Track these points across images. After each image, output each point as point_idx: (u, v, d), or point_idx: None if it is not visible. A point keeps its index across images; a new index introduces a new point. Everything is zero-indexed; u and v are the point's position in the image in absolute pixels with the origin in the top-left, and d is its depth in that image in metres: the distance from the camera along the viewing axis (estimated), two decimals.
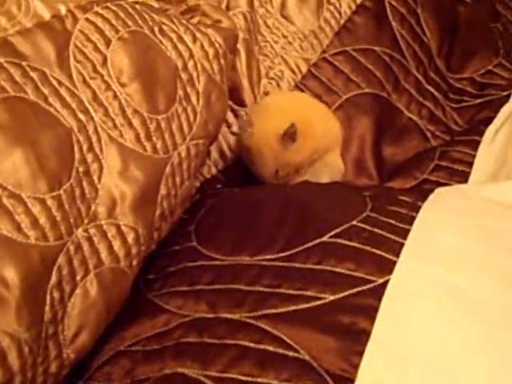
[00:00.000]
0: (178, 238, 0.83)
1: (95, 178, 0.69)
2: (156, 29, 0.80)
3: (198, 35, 0.84)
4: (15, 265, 0.59)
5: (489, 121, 1.13)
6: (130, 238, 0.71)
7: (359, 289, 0.66)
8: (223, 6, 1.01)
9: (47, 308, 0.62)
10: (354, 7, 1.15)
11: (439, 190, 0.86)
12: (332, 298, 0.66)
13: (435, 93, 1.18)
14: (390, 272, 0.68)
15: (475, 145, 1.07)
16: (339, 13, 1.14)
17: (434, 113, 1.16)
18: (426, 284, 0.67)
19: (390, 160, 1.10)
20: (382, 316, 0.63)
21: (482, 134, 1.09)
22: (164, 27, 0.81)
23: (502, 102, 1.17)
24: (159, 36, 0.80)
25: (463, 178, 1.03)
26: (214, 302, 0.70)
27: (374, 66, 1.13)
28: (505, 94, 1.19)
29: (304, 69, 1.10)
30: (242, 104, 1.03)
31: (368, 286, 0.66)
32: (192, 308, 0.71)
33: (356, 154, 1.08)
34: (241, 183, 1.01)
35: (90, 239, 0.67)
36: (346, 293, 0.66)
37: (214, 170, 1.02)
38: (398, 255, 0.70)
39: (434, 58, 1.22)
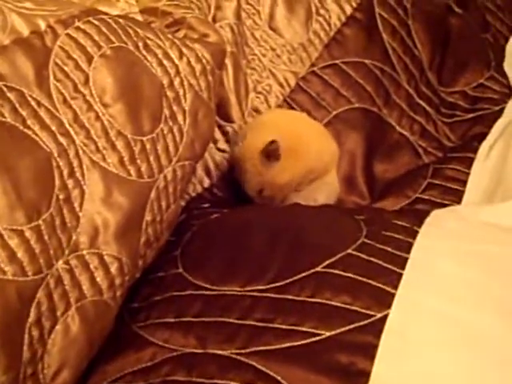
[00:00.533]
0: (163, 264, 0.79)
1: (76, 205, 0.65)
2: (140, 44, 0.76)
3: (185, 50, 0.80)
4: None
5: (482, 136, 1.10)
6: (114, 268, 0.67)
7: (357, 324, 0.63)
8: (209, 18, 0.97)
9: (25, 348, 0.58)
10: (343, 19, 1.12)
11: (435, 213, 0.83)
12: (328, 334, 0.63)
13: (427, 107, 1.15)
14: (389, 306, 0.64)
15: (469, 162, 1.04)
16: (329, 24, 1.11)
17: (426, 128, 1.13)
18: (426, 318, 0.64)
19: (381, 177, 1.07)
20: (382, 355, 0.60)
21: (475, 150, 1.06)
22: (149, 42, 0.77)
23: (495, 116, 1.15)
24: (144, 52, 0.76)
25: (457, 196, 1.00)
26: (203, 336, 0.67)
27: (365, 79, 1.10)
28: (497, 108, 1.17)
29: (293, 82, 1.06)
30: (229, 120, 0.99)
31: (366, 321, 0.63)
32: (179, 342, 0.67)
33: (346, 171, 1.04)
34: (227, 201, 0.98)
35: (71, 271, 0.63)
36: (343, 329, 0.63)
37: (199, 188, 0.99)
38: (396, 287, 0.67)
39: (425, 71, 1.19)
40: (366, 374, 0.58)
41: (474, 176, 1.03)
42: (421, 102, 1.15)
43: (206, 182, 0.99)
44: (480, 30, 1.32)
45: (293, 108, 1.05)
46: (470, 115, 1.17)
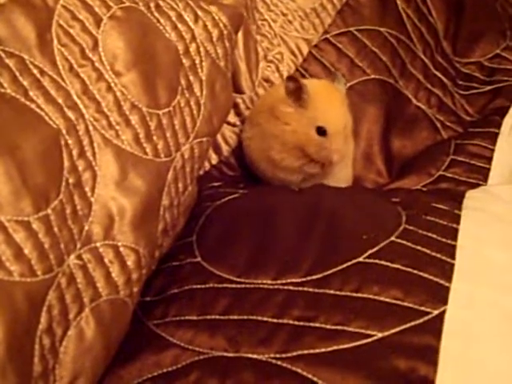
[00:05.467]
0: (177, 252, 0.71)
1: (88, 190, 0.56)
2: (152, 5, 0.67)
3: (200, 13, 0.71)
4: None
5: (503, 110, 1.03)
6: (130, 261, 0.59)
7: (412, 323, 0.56)
8: None
9: (36, 360, 0.49)
10: None
11: (471, 194, 0.76)
12: (381, 335, 0.55)
13: (443, 79, 1.08)
14: (445, 301, 0.57)
15: (493, 137, 0.97)
16: None
17: (443, 101, 1.05)
18: (487, 315, 0.57)
19: (400, 154, 0.99)
20: (445, 359, 0.53)
21: (498, 125, 0.99)
22: (161, 3, 0.68)
23: None
24: (156, 14, 0.67)
25: (482, 174, 0.93)
26: (234, 337, 0.59)
27: (380, 49, 1.02)
28: None
29: (305, 51, 0.98)
30: (239, 90, 0.91)
31: (422, 320, 0.56)
32: (206, 343, 0.59)
33: (363, 147, 0.97)
34: (238, 180, 0.89)
35: (84, 267, 0.55)
36: (398, 329, 0.55)
37: (207, 166, 0.90)
38: (450, 279, 0.60)
39: (440, 41, 1.11)
40: (430, 382, 0.51)
41: (498, 152, 0.96)
42: (437, 73, 1.08)
43: (214, 159, 0.91)
44: None
45: (306, 78, 0.97)
46: (488, 87, 1.10)
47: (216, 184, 0.84)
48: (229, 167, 0.91)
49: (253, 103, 0.91)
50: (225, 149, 0.90)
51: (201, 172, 0.88)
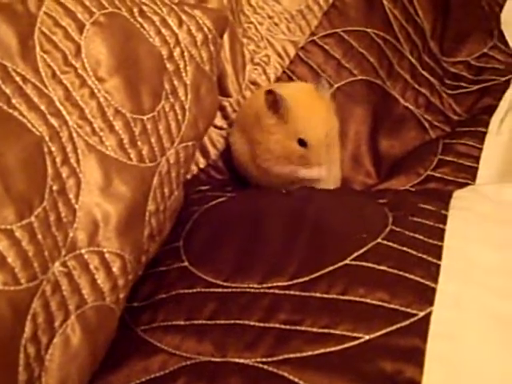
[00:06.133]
0: (164, 257, 0.71)
1: (72, 196, 0.56)
2: (135, 10, 0.67)
3: (184, 18, 0.71)
4: None
5: (491, 109, 1.03)
6: (116, 267, 0.59)
7: (398, 325, 0.56)
8: None
9: (21, 369, 0.49)
10: None
11: (458, 194, 0.76)
12: (367, 337, 0.55)
13: (431, 78, 1.08)
14: (431, 302, 0.57)
15: (481, 137, 0.97)
16: None
17: (431, 100, 1.06)
18: (473, 316, 0.57)
19: (388, 154, 0.99)
20: (431, 361, 0.53)
21: (486, 124, 1.00)
22: (144, 8, 0.68)
23: (503, 88, 1.08)
24: (139, 19, 0.67)
25: (470, 173, 0.93)
26: (221, 341, 0.59)
27: (367, 50, 1.02)
28: (504, 79, 1.10)
29: (292, 53, 0.98)
30: (225, 93, 0.91)
31: (408, 321, 0.56)
32: (193, 349, 0.59)
33: (352, 148, 0.97)
34: (226, 183, 0.89)
35: (69, 274, 0.55)
36: (384, 331, 0.55)
37: (194, 169, 0.90)
38: (436, 280, 0.59)
39: (427, 41, 1.12)
40: None
41: (486, 151, 0.96)
42: (424, 73, 1.08)
43: (202, 163, 0.91)
44: None
45: (293, 80, 0.97)
46: (476, 87, 1.10)
47: (204, 188, 0.84)
48: (217, 171, 0.91)
49: (240, 106, 0.91)
50: (212, 152, 0.90)
51: (188, 176, 0.88)
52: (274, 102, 0.76)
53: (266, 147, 0.79)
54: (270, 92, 0.76)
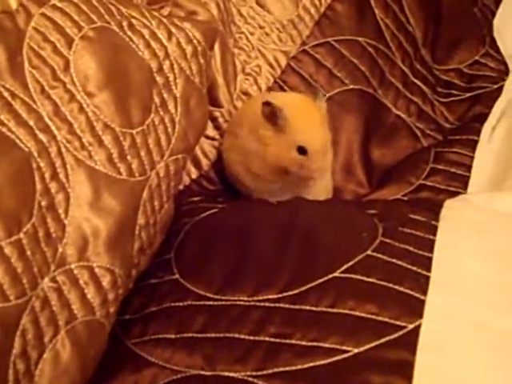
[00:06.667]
0: (156, 269, 0.71)
1: (61, 212, 0.57)
2: (125, 24, 0.67)
3: (174, 30, 0.71)
4: None
5: (483, 117, 1.03)
6: (106, 281, 0.59)
7: (387, 338, 0.56)
8: None
9: None
10: None
11: (449, 204, 0.76)
12: (356, 350, 0.55)
13: (423, 87, 1.08)
14: (420, 315, 0.57)
15: (472, 145, 0.98)
16: (319, 0, 1.02)
17: (423, 109, 1.06)
18: (462, 328, 0.57)
19: (380, 163, 0.99)
20: (420, 374, 0.53)
21: (478, 132, 1.00)
22: (134, 21, 0.68)
23: (495, 95, 1.08)
24: (129, 32, 0.67)
25: (462, 182, 0.93)
26: (211, 355, 0.59)
27: (359, 59, 1.02)
28: (496, 86, 1.10)
29: (283, 63, 0.98)
30: (217, 104, 0.91)
31: (397, 334, 0.56)
32: (184, 362, 0.59)
33: (344, 158, 0.97)
34: (218, 194, 0.89)
35: (58, 290, 0.55)
36: (373, 344, 0.56)
37: (187, 180, 0.90)
38: (425, 292, 0.60)
39: (419, 49, 1.12)
40: None
41: (478, 160, 0.96)
42: (416, 82, 1.08)
43: (194, 173, 0.91)
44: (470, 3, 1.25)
45: (284, 90, 0.97)
46: (468, 94, 1.10)
47: (195, 199, 0.84)
48: (209, 181, 0.91)
49: (231, 116, 0.91)
50: (204, 163, 0.90)
51: (180, 187, 0.88)
52: (272, 114, 0.76)
53: (262, 157, 0.79)
54: (266, 103, 0.76)
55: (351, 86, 1.00)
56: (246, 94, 0.94)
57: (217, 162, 0.91)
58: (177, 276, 0.68)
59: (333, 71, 1.00)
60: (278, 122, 0.76)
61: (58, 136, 0.58)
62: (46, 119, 0.58)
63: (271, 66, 0.97)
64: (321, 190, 0.86)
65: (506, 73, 1.14)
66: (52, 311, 0.54)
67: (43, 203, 0.55)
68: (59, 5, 0.62)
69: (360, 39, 1.03)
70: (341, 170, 0.96)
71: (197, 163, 0.91)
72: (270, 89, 0.96)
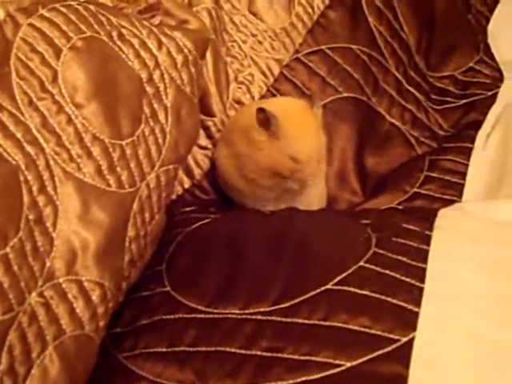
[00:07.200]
0: (147, 281, 0.70)
1: (49, 225, 0.56)
2: (114, 34, 0.67)
3: (164, 40, 0.70)
4: None
5: (477, 124, 1.03)
6: (95, 295, 0.58)
7: (380, 352, 0.55)
8: (185, 1, 0.87)
9: None
10: (327, 1, 1.03)
11: (443, 213, 0.75)
12: (349, 364, 0.55)
13: (417, 94, 1.07)
14: (414, 327, 0.57)
15: (467, 152, 0.97)
16: (312, 7, 1.02)
17: (417, 116, 1.05)
18: (456, 341, 0.56)
19: (374, 171, 0.99)
20: None
21: (472, 139, 0.99)
22: (124, 31, 0.68)
23: (489, 102, 1.07)
24: (118, 42, 0.67)
25: (457, 190, 0.92)
26: (202, 369, 0.58)
27: (352, 66, 1.01)
28: (490, 93, 1.09)
29: (276, 71, 0.97)
30: (209, 113, 0.90)
31: (390, 348, 0.55)
32: (175, 377, 0.59)
33: (338, 166, 0.96)
34: (211, 204, 0.89)
35: (46, 304, 0.54)
36: (365, 358, 0.55)
37: (179, 190, 0.89)
38: (419, 304, 0.59)
39: (413, 56, 1.11)
40: None
41: (473, 167, 0.95)
42: (410, 89, 1.07)
43: (187, 183, 0.90)
44: (464, 10, 1.25)
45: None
46: (462, 101, 1.10)
47: (188, 209, 0.83)
48: (202, 191, 0.90)
49: (224, 126, 0.90)
50: (197, 172, 0.90)
51: (173, 196, 0.87)
52: (266, 120, 0.76)
53: (255, 161, 0.79)
54: (261, 110, 0.75)
55: (345, 94, 1.00)
56: (238, 102, 0.93)
57: (210, 172, 0.90)
58: (168, 288, 0.67)
59: (326, 79, 0.99)
60: (272, 129, 0.75)
61: (47, 148, 0.57)
62: (34, 131, 0.57)
63: (264, 74, 0.96)
64: (315, 198, 0.86)
65: (501, 79, 1.13)
66: (40, 326, 0.53)
67: (31, 217, 0.54)
68: (47, 15, 0.62)
69: (353, 47, 1.02)
70: (335, 179, 0.95)
71: (189, 173, 0.90)
72: (262, 97, 0.95)
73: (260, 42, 0.97)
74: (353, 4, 1.05)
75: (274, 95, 0.96)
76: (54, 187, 0.57)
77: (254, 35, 0.96)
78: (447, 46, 1.16)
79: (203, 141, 0.90)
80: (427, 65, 1.14)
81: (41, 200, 0.55)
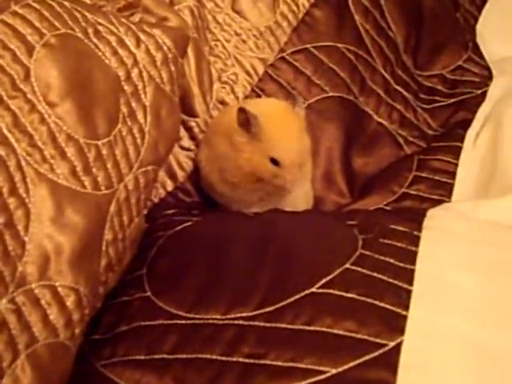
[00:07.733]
0: (127, 286, 0.68)
1: (21, 228, 0.54)
2: (90, 30, 0.65)
3: (143, 37, 0.68)
4: None
5: (466, 123, 1.01)
6: (70, 301, 0.56)
7: (367, 357, 0.53)
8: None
9: None
10: None
11: (432, 213, 0.73)
12: (334, 371, 0.53)
13: (405, 93, 1.06)
14: (402, 331, 0.55)
15: (456, 152, 0.95)
16: (297, 5, 1.00)
17: (405, 116, 1.03)
18: (446, 345, 0.54)
19: (362, 172, 0.97)
20: None
21: (461, 138, 0.97)
22: (100, 28, 0.66)
23: (478, 101, 1.05)
24: (94, 39, 0.65)
25: (446, 190, 0.90)
26: (182, 377, 0.56)
27: (338, 65, 0.99)
28: (479, 92, 1.08)
29: (261, 70, 0.95)
30: (192, 114, 0.88)
31: (377, 353, 0.53)
32: None
33: (324, 167, 0.94)
34: (195, 207, 0.86)
35: (17, 311, 0.52)
36: (351, 364, 0.53)
37: (162, 193, 0.87)
38: (407, 307, 0.57)
39: (400, 55, 1.09)
40: None
41: (462, 167, 0.93)
42: (398, 88, 1.06)
43: (170, 186, 0.87)
44: (453, 9, 1.24)
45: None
46: (451, 100, 1.08)
47: (170, 212, 0.81)
48: (185, 193, 0.88)
49: (207, 126, 0.88)
50: (180, 174, 0.87)
51: (156, 200, 0.85)
52: (246, 121, 0.74)
53: (237, 164, 0.77)
54: (241, 110, 0.73)
55: (331, 94, 0.98)
56: (222, 103, 0.91)
57: (193, 174, 0.88)
58: (149, 293, 0.65)
59: (312, 78, 0.97)
60: (253, 130, 0.73)
61: (18, 149, 0.55)
62: (5, 131, 0.55)
63: (248, 73, 0.94)
64: (300, 199, 0.84)
65: (490, 78, 1.12)
66: (11, 334, 0.51)
67: (1, 220, 0.52)
68: (20, 11, 0.60)
69: (339, 45, 1.00)
70: (321, 180, 0.93)
71: (172, 175, 0.87)
72: (247, 97, 0.93)
73: (244, 41, 0.95)
74: (339, 2, 1.03)
75: (258, 95, 0.94)
76: (26, 189, 0.54)
77: (237, 34, 0.95)
78: (435, 45, 1.15)
79: (186, 142, 0.88)
80: (415, 63, 1.13)
81: (12, 202, 0.53)
